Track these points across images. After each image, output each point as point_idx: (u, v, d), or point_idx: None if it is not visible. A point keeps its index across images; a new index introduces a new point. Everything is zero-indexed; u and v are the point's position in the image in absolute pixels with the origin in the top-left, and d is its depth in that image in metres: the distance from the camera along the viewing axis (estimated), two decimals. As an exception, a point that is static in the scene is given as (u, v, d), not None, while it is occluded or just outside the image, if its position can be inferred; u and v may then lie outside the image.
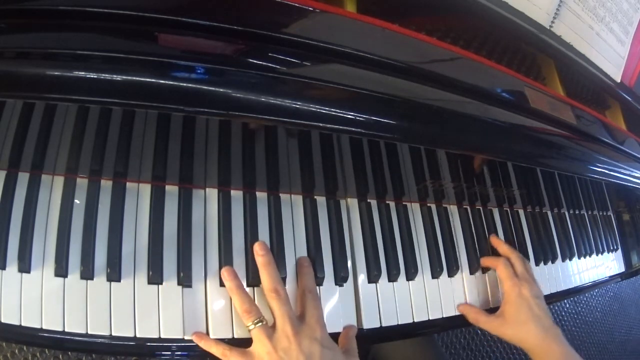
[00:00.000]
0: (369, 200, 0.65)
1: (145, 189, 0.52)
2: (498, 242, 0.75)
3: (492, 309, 0.70)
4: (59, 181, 0.49)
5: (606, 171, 0.68)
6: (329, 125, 0.44)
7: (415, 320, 0.64)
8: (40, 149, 0.46)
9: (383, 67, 0.46)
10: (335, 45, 0.44)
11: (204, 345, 0.49)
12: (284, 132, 0.53)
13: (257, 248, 0.53)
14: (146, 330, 0.48)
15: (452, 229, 0.72)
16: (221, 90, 0.38)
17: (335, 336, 0.57)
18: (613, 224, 1.11)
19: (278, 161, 0.55)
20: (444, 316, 0.67)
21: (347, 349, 0.55)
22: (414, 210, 0.70)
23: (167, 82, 0.36)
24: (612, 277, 1.04)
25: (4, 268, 0.44)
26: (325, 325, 0.53)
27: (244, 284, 0.53)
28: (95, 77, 0.34)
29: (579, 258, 0.94)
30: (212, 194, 0.55)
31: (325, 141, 0.56)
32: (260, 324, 0.49)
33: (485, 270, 0.73)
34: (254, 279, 0.53)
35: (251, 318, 0.49)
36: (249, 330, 0.50)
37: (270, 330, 0.50)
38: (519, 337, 0.65)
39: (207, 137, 0.51)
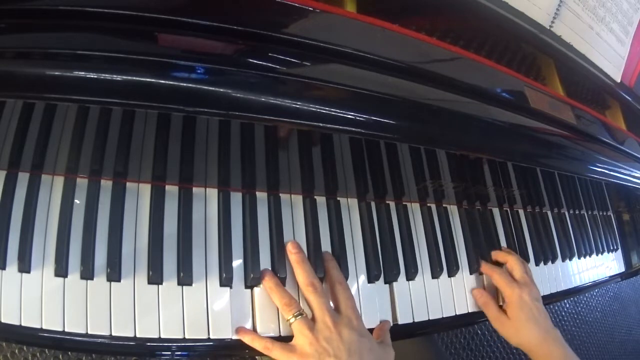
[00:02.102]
0: (368, 200, 0.65)
1: (145, 189, 0.52)
2: (496, 253, 0.75)
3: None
4: (59, 181, 0.49)
5: (606, 171, 0.68)
6: (329, 125, 0.44)
7: (415, 320, 0.64)
8: (40, 149, 0.46)
9: (383, 67, 0.46)
10: (335, 45, 0.44)
11: (249, 340, 0.50)
12: (283, 132, 0.53)
13: (290, 247, 0.55)
14: (146, 330, 0.48)
15: (452, 229, 0.72)
16: (221, 90, 0.38)
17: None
18: (613, 224, 1.11)
19: (278, 161, 0.55)
20: (444, 316, 0.67)
21: (382, 340, 0.57)
22: (414, 210, 0.70)
23: (167, 82, 0.36)
24: (612, 277, 1.04)
25: (4, 268, 0.44)
26: (360, 315, 0.56)
27: (242, 285, 0.53)
28: (95, 77, 0.34)
29: (579, 258, 0.94)
30: (212, 194, 0.55)
31: (325, 141, 0.56)
32: (300, 316, 0.51)
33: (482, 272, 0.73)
34: (252, 281, 0.53)
35: (292, 311, 0.51)
36: (290, 324, 0.51)
37: (311, 322, 0.52)
38: (519, 337, 0.66)
39: (207, 137, 0.51)
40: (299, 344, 0.50)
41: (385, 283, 0.63)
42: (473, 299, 0.70)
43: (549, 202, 0.90)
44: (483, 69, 0.55)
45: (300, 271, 0.54)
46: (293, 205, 0.60)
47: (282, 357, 0.50)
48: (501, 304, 0.71)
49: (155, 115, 0.47)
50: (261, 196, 0.58)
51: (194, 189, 0.54)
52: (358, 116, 0.44)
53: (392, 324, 0.61)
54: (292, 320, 0.51)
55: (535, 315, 0.66)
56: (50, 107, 0.43)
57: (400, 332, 0.63)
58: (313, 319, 0.53)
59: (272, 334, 0.52)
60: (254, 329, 0.52)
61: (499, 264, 0.74)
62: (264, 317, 0.53)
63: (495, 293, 0.72)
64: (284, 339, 0.52)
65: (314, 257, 0.58)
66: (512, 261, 0.72)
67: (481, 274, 0.73)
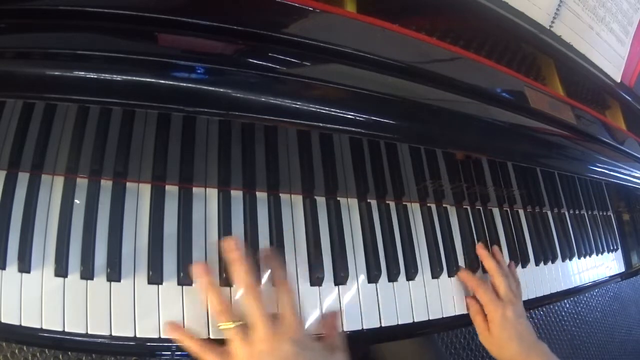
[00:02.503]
0: (369, 200, 0.65)
1: (145, 189, 0.52)
2: (484, 256, 0.72)
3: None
4: (59, 181, 0.49)
5: (606, 171, 0.68)
6: (329, 125, 0.44)
7: (415, 320, 0.64)
8: (40, 149, 0.46)
9: (383, 67, 0.46)
10: (335, 45, 0.44)
11: (179, 337, 0.47)
12: (284, 132, 0.53)
13: (229, 244, 0.49)
14: (146, 330, 0.48)
15: (452, 229, 0.72)
16: (221, 90, 0.38)
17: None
18: (613, 224, 1.11)
19: (278, 161, 0.55)
20: (444, 316, 0.67)
21: (331, 342, 0.52)
22: (414, 210, 0.70)
23: (167, 82, 0.36)
24: (612, 277, 1.04)
25: (4, 268, 0.44)
26: (303, 322, 0.50)
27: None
28: (95, 77, 0.34)
29: (579, 258, 0.94)
30: (212, 194, 0.55)
31: (325, 141, 0.56)
32: (235, 324, 0.47)
33: (484, 270, 0.73)
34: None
35: (226, 317, 0.47)
36: (224, 331, 0.47)
37: (247, 330, 0.47)
38: (503, 355, 0.66)
39: (207, 137, 0.51)
40: (234, 352, 0.46)
41: (389, 282, 0.63)
42: (467, 305, 0.69)
43: (549, 202, 0.90)
44: (483, 69, 0.55)
45: (239, 271, 0.48)
46: (293, 205, 0.60)
47: None
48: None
49: (155, 115, 0.48)
50: (261, 196, 0.58)
51: (194, 189, 0.54)
52: (358, 116, 0.44)
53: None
54: (226, 326, 0.47)
55: (519, 331, 0.66)
56: (50, 107, 0.43)
57: (400, 332, 0.63)
58: (250, 328, 0.47)
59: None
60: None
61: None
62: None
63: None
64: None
65: (314, 257, 0.58)
66: (496, 277, 0.69)
67: (484, 272, 0.73)
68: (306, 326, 0.54)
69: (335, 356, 0.51)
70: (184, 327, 0.48)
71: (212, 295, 0.48)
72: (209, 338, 0.49)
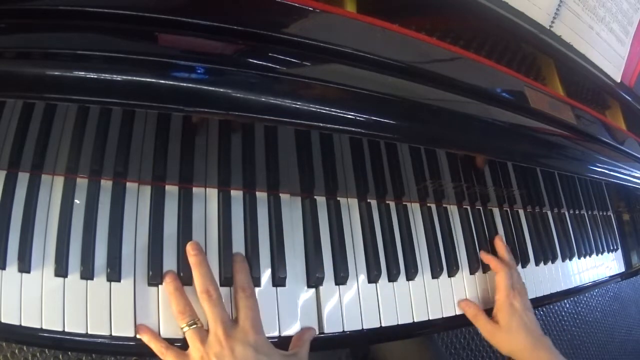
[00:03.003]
0: (369, 200, 0.65)
1: (145, 189, 0.52)
2: (501, 247, 0.74)
3: (491, 309, 0.70)
4: (59, 181, 0.49)
5: (606, 171, 0.68)
6: (329, 125, 0.44)
7: (415, 320, 0.64)
8: (40, 149, 0.46)
9: (383, 67, 0.46)
10: (335, 45, 0.44)
11: (146, 339, 0.47)
12: (284, 132, 0.53)
13: (189, 248, 0.50)
14: (146, 330, 0.47)
15: (452, 229, 0.72)
16: (221, 90, 0.38)
17: (336, 337, 0.57)
18: (613, 224, 1.11)
19: (278, 161, 0.55)
20: (444, 316, 0.67)
21: (296, 352, 0.52)
22: (414, 210, 0.70)
23: (167, 82, 0.36)
24: (612, 277, 1.04)
25: (4, 268, 0.44)
26: (261, 327, 0.50)
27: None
28: (95, 77, 0.34)
29: (579, 258, 0.94)
30: (212, 194, 0.55)
31: (325, 141, 0.56)
32: (194, 326, 0.48)
33: (485, 270, 0.73)
34: (253, 281, 0.53)
35: (185, 320, 0.48)
36: (183, 333, 0.48)
37: (204, 333, 0.48)
38: (510, 345, 0.66)
39: (207, 137, 0.51)
40: (191, 354, 0.47)
41: (390, 282, 0.63)
42: (461, 311, 0.69)
43: (549, 202, 0.90)
44: (483, 69, 0.55)
45: (198, 275, 0.49)
46: (293, 205, 0.60)
47: None
48: (491, 306, 0.70)
49: (155, 115, 0.48)
50: (261, 196, 0.58)
51: (194, 189, 0.54)
52: (358, 116, 0.44)
53: (317, 333, 0.56)
54: (186, 329, 0.47)
55: (525, 322, 0.66)
56: (50, 107, 0.43)
57: (400, 332, 0.63)
58: (208, 330, 0.48)
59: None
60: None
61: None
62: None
63: (484, 300, 0.72)
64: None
65: (315, 257, 0.58)
66: (512, 267, 0.71)
67: (484, 271, 0.73)
68: (281, 333, 0.54)
69: None
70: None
71: (174, 297, 0.48)
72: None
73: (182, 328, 0.48)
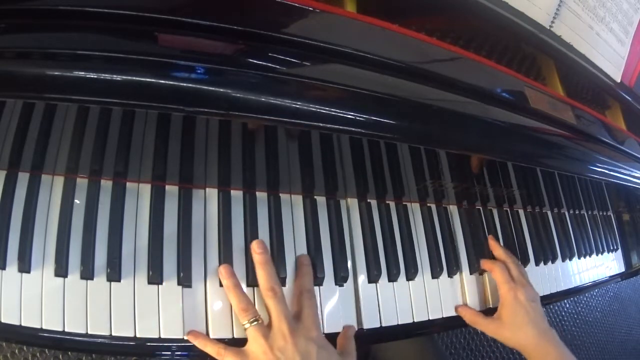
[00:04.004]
0: (369, 200, 0.65)
1: (145, 189, 0.52)
2: (495, 246, 0.75)
3: (491, 309, 0.70)
4: (59, 181, 0.49)
5: (606, 171, 0.68)
6: (329, 125, 0.44)
7: (415, 320, 0.64)
8: (40, 149, 0.46)
9: (383, 67, 0.46)
10: (335, 45, 0.44)
11: (199, 344, 0.49)
12: (284, 132, 0.53)
13: (254, 246, 0.53)
14: (146, 330, 0.48)
15: (452, 229, 0.72)
16: (221, 90, 0.38)
17: (335, 336, 0.57)
18: (613, 224, 1.11)
19: (278, 161, 0.55)
20: (444, 316, 0.67)
21: (344, 350, 0.55)
22: (414, 210, 0.70)
23: (167, 82, 0.36)
24: (612, 277, 1.04)
25: (4, 268, 0.44)
26: (321, 326, 0.53)
27: (244, 284, 0.53)
28: (95, 77, 0.34)
29: (579, 258, 0.94)
30: (212, 194, 0.55)
31: (325, 141, 0.56)
32: (256, 322, 0.49)
33: (484, 270, 0.73)
34: (253, 280, 0.53)
35: (247, 316, 0.49)
36: (245, 329, 0.49)
37: (266, 329, 0.50)
38: (516, 339, 0.66)
39: (207, 137, 0.51)
40: (252, 351, 0.48)
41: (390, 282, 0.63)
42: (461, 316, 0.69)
43: (549, 202, 0.90)
44: (483, 69, 0.55)
45: (263, 273, 0.52)
46: (293, 205, 0.60)
47: None
48: (491, 306, 0.71)
49: (155, 115, 0.47)
50: (261, 196, 0.58)
51: (194, 189, 0.54)
52: (358, 116, 0.44)
53: (357, 329, 0.58)
54: (247, 325, 0.49)
55: (531, 315, 0.66)
56: (50, 107, 0.43)
57: (400, 332, 0.63)
58: (269, 326, 0.50)
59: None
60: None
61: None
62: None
63: (483, 300, 0.72)
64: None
65: (315, 257, 0.58)
66: (509, 262, 0.72)
67: (481, 273, 0.73)
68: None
69: (346, 359, 0.54)
70: (182, 328, 0.49)
71: (234, 295, 0.50)
72: (233, 338, 0.50)
73: (243, 324, 0.49)
